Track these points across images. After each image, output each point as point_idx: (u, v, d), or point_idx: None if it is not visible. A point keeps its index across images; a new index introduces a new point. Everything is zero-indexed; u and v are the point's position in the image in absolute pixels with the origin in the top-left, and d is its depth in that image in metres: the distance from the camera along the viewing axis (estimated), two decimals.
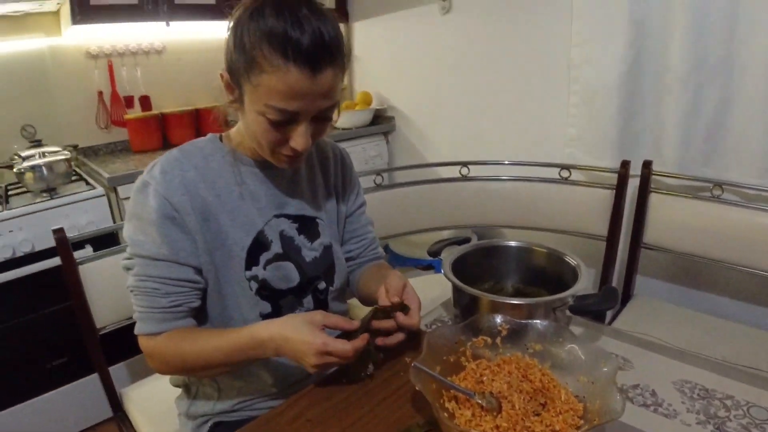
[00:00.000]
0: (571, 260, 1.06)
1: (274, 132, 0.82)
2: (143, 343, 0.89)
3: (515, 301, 0.97)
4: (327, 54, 0.76)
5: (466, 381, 0.79)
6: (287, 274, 0.95)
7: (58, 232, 1.18)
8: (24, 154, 1.89)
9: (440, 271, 1.06)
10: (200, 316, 0.94)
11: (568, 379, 0.77)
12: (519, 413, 0.71)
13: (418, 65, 2.65)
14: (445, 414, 0.71)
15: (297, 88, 0.76)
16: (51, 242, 1.20)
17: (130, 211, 0.88)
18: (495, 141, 2.39)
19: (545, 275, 1.11)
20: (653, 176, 1.65)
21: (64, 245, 1.19)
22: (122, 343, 1.39)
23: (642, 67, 1.77)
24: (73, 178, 2.04)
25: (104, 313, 1.28)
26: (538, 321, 0.84)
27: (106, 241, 1.63)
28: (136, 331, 0.89)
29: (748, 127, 1.60)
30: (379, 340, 0.87)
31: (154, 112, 2.48)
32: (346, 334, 0.84)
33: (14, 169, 1.85)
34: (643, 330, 1.45)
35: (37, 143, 2.01)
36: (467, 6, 2.33)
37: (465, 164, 1.83)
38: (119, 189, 1.95)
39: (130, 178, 1.95)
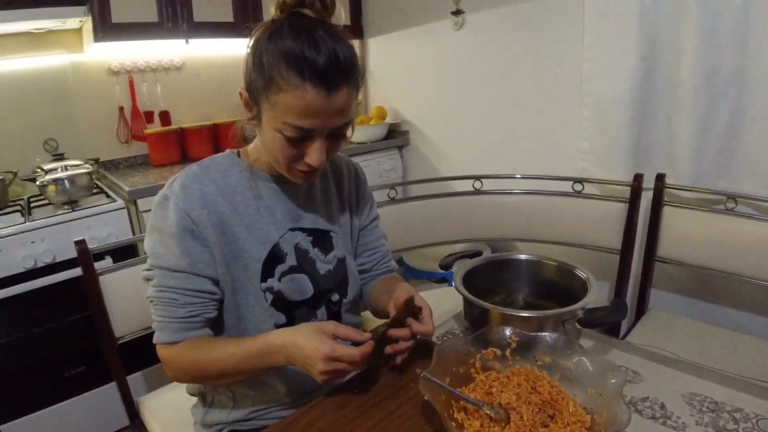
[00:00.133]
0: (581, 273, 1.07)
1: (291, 148, 0.85)
2: (161, 351, 0.92)
3: (525, 314, 0.98)
4: (342, 74, 0.79)
5: (476, 392, 0.80)
6: (301, 286, 0.98)
7: (80, 244, 1.21)
8: (46, 167, 1.94)
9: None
10: (217, 326, 0.96)
11: (577, 391, 0.78)
12: (527, 424, 0.72)
13: (432, 80, 2.68)
14: (454, 424, 0.72)
15: (313, 106, 0.79)
16: (72, 253, 1.23)
17: (150, 224, 0.91)
18: (508, 155, 2.41)
19: (556, 288, 1.12)
20: (666, 189, 1.65)
21: (85, 256, 1.22)
22: (139, 353, 1.41)
23: (654, 80, 1.78)
24: (94, 191, 2.09)
25: (122, 323, 1.30)
26: (547, 333, 0.85)
27: (125, 253, 1.67)
28: (154, 340, 0.91)
29: (762, 139, 1.60)
30: (389, 348, 0.88)
31: (173, 126, 2.54)
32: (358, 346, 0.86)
33: (37, 182, 1.91)
34: (657, 344, 1.45)
35: (60, 157, 2.06)
36: (480, 22, 2.36)
37: (478, 178, 1.84)
38: (139, 202, 2.00)
39: (149, 192, 1.99)
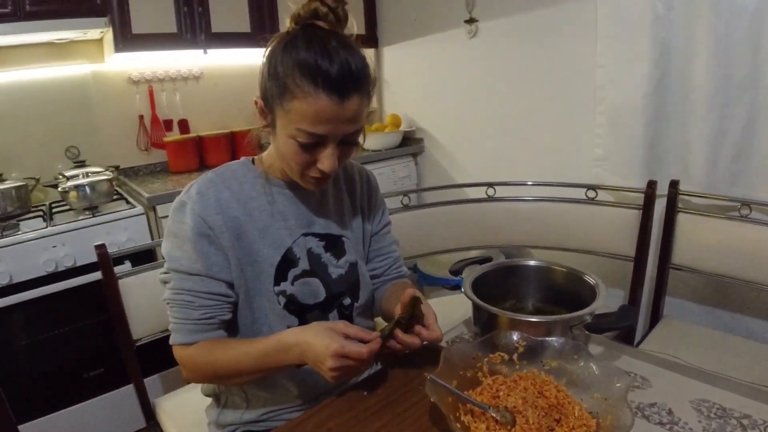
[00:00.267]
0: (591, 279, 1.07)
1: (304, 154, 0.87)
2: (177, 352, 0.94)
3: (532, 319, 0.99)
4: (353, 83, 0.82)
5: (482, 395, 0.81)
6: (314, 290, 1.00)
7: (100, 248, 1.25)
8: (68, 173, 1.99)
9: None
10: (231, 328, 0.99)
11: (583, 395, 0.79)
12: (533, 428, 0.73)
13: (446, 88, 2.70)
14: (460, 426, 0.73)
15: (325, 113, 0.81)
16: (92, 257, 1.27)
17: (168, 229, 0.94)
18: (522, 162, 2.41)
19: (566, 294, 1.12)
20: (680, 196, 1.64)
21: (105, 260, 1.26)
22: (157, 355, 1.45)
23: (667, 87, 1.78)
24: (115, 197, 2.13)
25: (140, 326, 1.34)
26: (555, 338, 0.86)
27: (144, 257, 1.71)
28: (170, 341, 0.94)
29: None
30: (395, 344, 0.89)
31: (192, 135, 2.59)
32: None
33: (59, 188, 1.96)
34: (671, 351, 1.44)
35: (81, 164, 2.12)
36: (493, 30, 2.38)
37: (491, 185, 1.85)
38: (158, 208, 2.04)
39: (168, 198, 2.04)
